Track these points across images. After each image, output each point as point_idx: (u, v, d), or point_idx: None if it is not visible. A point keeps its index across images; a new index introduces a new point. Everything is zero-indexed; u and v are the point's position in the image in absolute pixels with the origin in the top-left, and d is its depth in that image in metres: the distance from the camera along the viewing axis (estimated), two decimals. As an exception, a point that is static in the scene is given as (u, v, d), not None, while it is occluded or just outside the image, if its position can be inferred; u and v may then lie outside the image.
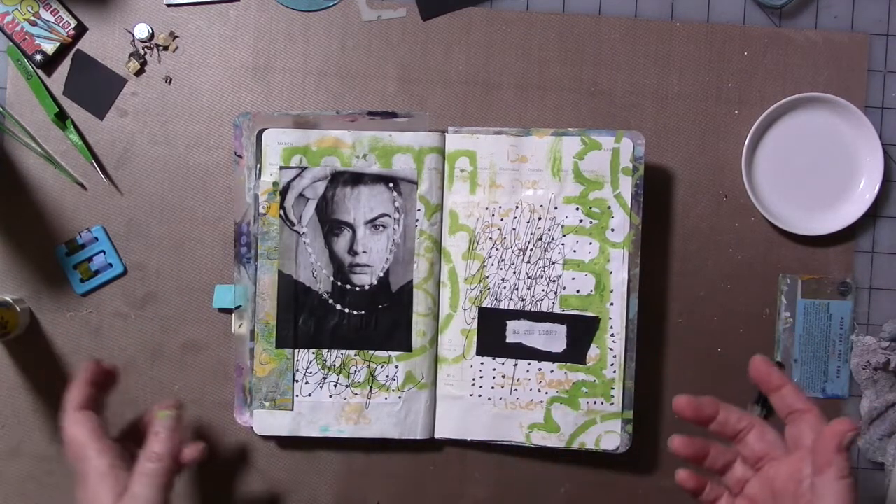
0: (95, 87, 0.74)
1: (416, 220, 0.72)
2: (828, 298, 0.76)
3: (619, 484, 0.75)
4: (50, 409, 0.74)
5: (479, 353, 0.72)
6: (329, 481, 0.75)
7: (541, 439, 0.72)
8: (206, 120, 0.75)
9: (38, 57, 0.73)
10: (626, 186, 0.71)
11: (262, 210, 0.71)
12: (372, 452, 0.75)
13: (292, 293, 0.72)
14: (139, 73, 0.75)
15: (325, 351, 0.72)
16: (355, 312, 0.72)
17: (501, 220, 0.71)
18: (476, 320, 0.72)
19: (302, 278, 0.72)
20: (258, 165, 0.71)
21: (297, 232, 0.72)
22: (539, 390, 0.71)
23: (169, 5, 0.75)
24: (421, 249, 0.72)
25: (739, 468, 0.55)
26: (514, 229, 0.71)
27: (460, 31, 0.75)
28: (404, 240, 0.72)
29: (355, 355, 0.72)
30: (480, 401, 0.72)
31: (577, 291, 0.71)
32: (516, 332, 0.72)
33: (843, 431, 0.48)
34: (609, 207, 0.71)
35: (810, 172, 0.76)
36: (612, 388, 0.71)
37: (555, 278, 0.71)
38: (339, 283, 0.72)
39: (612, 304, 0.71)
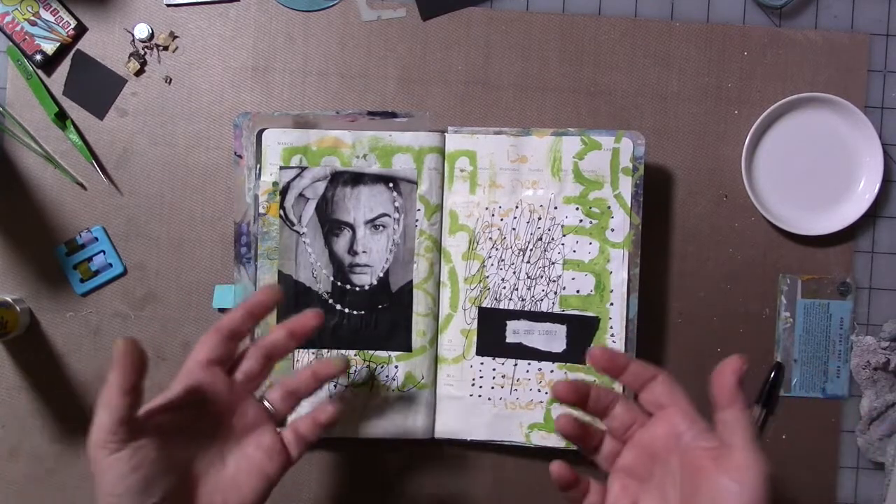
0: (95, 87, 0.74)
1: (416, 220, 0.72)
2: (828, 298, 0.76)
3: (619, 484, 0.75)
4: (50, 409, 0.74)
5: (479, 353, 0.72)
6: (329, 481, 0.75)
7: (541, 439, 0.72)
8: (205, 120, 0.75)
9: (38, 57, 0.73)
10: (626, 186, 0.71)
11: (262, 210, 0.71)
12: (372, 452, 0.75)
13: (292, 293, 0.72)
14: (139, 73, 0.75)
15: (324, 351, 0.72)
16: (355, 312, 0.72)
17: (501, 220, 0.71)
18: (476, 320, 0.72)
19: (302, 278, 0.72)
20: (258, 165, 0.71)
21: (297, 232, 0.72)
22: (539, 390, 0.72)
23: (169, 5, 0.75)
24: (421, 249, 0.72)
25: (608, 444, 0.58)
26: (513, 229, 0.71)
27: (460, 31, 0.75)
28: (404, 240, 0.72)
29: (355, 355, 0.72)
30: (480, 401, 0.72)
31: (577, 291, 0.71)
32: (516, 332, 0.72)
33: (739, 367, 0.52)
34: (609, 207, 0.71)
35: (810, 172, 0.76)
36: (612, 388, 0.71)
37: (555, 278, 0.71)
38: (339, 283, 0.72)
39: (611, 304, 0.71)
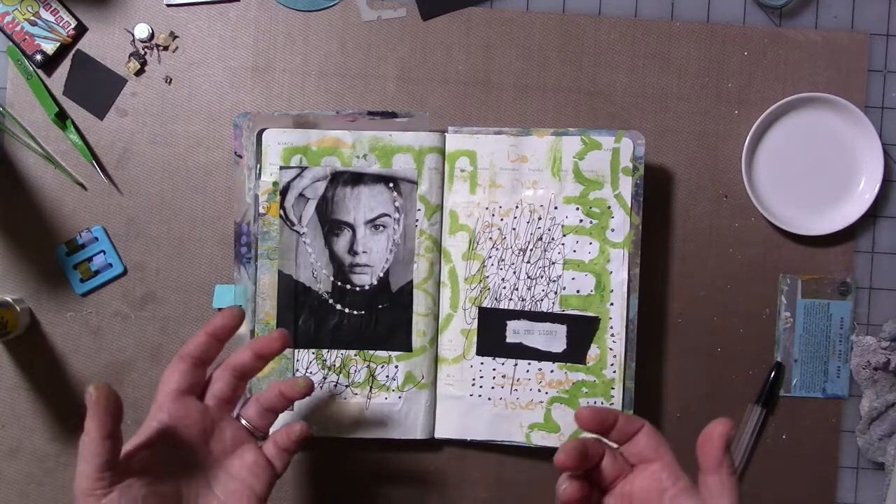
0: (95, 87, 0.74)
1: (416, 220, 0.72)
2: (828, 298, 0.76)
3: (619, 484, 0.75)
4: (50, 409, 0.74)
5: (479, 353, 0.72)
6: (329, 482, 0.75)
7: (541, 439, 0.72)
8: (206, 120, 0.75)
9: (38, 57, 0.73)
10: (626, 186, 0.71)
11: (262, 210, 0.71)
12: (372, 452, 0.75)
13: (292, 293, 0.72)
14: (139, 73, 0.75)
15: (324, 351, 0.72)
16: (355, 312, 0.72)
17: (501, 220, 0.71)
18: (476, 320, 0.72)
19: (302, 278, 0.72)
20: (258, 165, 0.71)
21: (297, 232, 0.72)
22: (539, 390, 0.71)
23: (169, 5, 0.75)
24: (421, 249, 0.72)
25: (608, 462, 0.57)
26: (514, 229, 0.71)
27: (460, 31, 0.75)
28: (404, 240, 0.72)
29: (355, 355, 0.72)
30: (480, 401, 0.72)
31: (577, 291, 0.71)
32: (516, 332, 0.72)
33: (726, 433, 0.51)
34: (609, 207, 0.71)
35: (810, 172, 0.76)
36: (612, 388, 0.71)
37: (555, 278, 0.71)
38: (339, 283, 0.72)
39: (612, 304, 0.71)
